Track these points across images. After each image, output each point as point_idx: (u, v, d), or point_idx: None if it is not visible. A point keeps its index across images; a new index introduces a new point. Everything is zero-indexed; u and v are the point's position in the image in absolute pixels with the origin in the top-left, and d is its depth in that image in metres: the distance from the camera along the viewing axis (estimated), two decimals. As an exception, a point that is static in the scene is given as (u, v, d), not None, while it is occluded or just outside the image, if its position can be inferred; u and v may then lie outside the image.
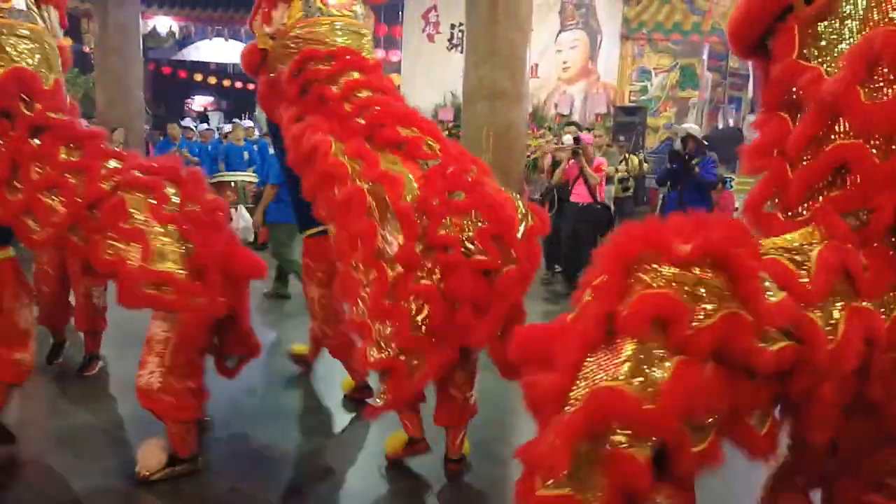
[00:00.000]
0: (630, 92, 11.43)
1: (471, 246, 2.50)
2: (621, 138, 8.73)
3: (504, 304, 2.53)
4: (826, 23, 1.46)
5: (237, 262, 2.73)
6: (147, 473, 2.64)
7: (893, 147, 1.36)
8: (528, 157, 8.26)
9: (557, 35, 11.62)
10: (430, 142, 2.79)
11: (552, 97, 11.82)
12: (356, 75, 2.91)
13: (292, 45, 2.98)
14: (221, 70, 17.27)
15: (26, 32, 2.65)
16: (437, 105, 12.34)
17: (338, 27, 3.02)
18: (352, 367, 3.53)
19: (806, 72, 1.46)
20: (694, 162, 6.24)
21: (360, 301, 2.53)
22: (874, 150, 1.36)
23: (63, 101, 2.76)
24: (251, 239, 7.45)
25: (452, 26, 12.38)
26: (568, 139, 6.95)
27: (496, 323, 2.52)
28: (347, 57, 2.93)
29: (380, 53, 15.83)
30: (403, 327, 2.47)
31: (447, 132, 11.34)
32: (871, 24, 1.41)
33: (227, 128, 9.72)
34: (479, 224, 2.53)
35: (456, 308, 2.48)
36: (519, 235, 2.58)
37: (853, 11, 1.43)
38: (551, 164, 6.88)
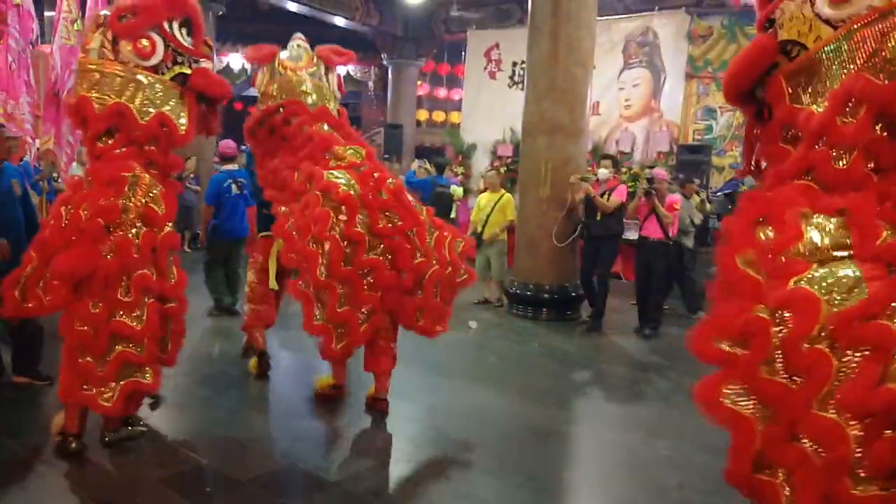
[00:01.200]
0: (694, 131, 11.19)
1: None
2: (680, 176, 8.43)
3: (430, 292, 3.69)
4: (808, 75, 1.92)
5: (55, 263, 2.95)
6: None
7: (852, 155, 1.81)
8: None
9: (620, 73, 11.53)
10: (360, 151, 3.97)
11: (613, 134, 11.69)
12: (300, 117, 4.05)
13: (264, 101, 4.17)
14: (289, 106, 17.81)
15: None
16: (496, 141, 12.36)
17: (303, 83, 4.11)
18: (254, 338, 4.65)
19: (801, 112, 1.92)
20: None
21: (320, 266, 3.43)
22: (838, 157, 1.84)
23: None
24: None
25: (514, 64, 12.47)
26: (603, 173, 6.82)
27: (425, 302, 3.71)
28: (293, 106, 4.08)
29: (442, 92, 16.16)
30: (359, 289, 3.51)
31: (506, 167, 11.35)
32: (849, 72, 1.82)
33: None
34: (398, 221, 3.66)
35: (402, 278, 3.61)
36: (430, 241, 3.73)
37: (830, 66, 1.87)
38: (583, 199, 6.76)
